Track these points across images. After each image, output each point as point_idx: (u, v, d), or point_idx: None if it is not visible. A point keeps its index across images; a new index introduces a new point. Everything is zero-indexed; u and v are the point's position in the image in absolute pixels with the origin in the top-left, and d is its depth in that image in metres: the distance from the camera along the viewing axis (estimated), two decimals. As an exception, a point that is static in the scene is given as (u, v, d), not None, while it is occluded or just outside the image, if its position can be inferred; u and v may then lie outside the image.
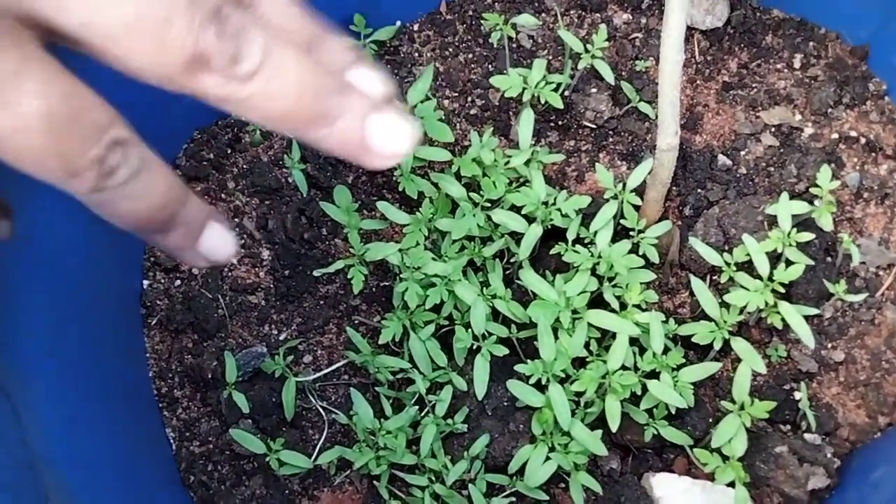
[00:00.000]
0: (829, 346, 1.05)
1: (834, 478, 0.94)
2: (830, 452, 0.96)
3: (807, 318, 0.97)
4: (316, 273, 1.01)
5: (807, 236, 0.97)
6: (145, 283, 1.04)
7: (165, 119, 0.97)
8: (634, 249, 1.01)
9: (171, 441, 0.98)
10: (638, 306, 0.97)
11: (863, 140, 1.16)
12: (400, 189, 1.02)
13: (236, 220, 1.07)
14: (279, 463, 0.91)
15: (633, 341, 0.95)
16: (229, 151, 1.10)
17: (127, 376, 0.96)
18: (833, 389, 1.04)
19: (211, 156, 1.09)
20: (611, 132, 1.17)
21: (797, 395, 1.03)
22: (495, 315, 0.99)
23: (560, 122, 1.17)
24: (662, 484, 0.96)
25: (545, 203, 1.00)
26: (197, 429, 0.98)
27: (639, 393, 0.91)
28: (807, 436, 0.99)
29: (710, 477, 0.93)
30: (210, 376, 0.98)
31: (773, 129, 1.18)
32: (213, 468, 0.96)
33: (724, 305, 0.98)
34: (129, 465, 0.90)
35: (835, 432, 1.02)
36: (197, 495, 0.95)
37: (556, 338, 0.92)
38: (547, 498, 0.91)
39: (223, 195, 1.08)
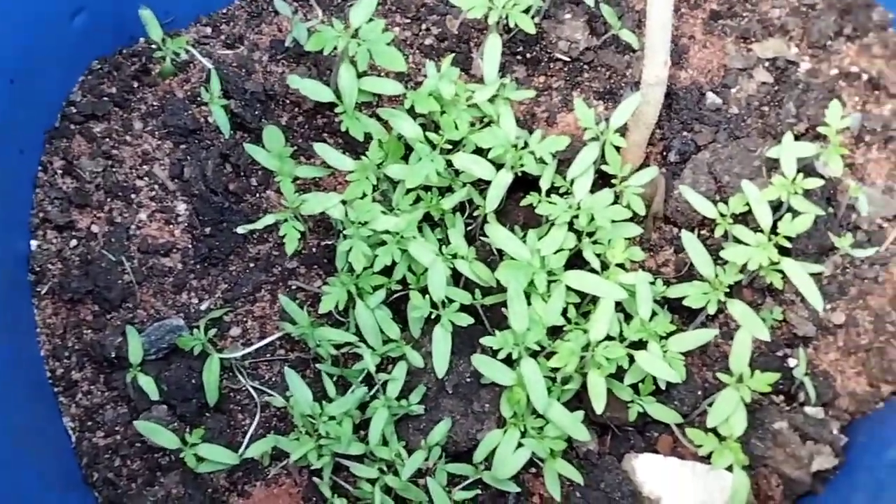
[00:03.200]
0: (829, 307, 0.93)
1: (841, 457, 0.83)
2: (836, 428, 0.85)
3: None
4: (241, 230, 0.84)
5: (815, 182, 0.84)
6: (33, 243, 0.86)
7: (56, 46, 0.79)
8: (617, 200, 0.87)
9: (70, 432, 0.82)
10: (621, 265, 0.83)
11: (864, 77, 1.03)
12: (343, 130, 0.86)
13: (145, 167, 0.89)
14: (197, 459, 0.76)
15: (616, 306, 0.81)
16: (136, 85, 0.92)
17: (12, 356, 0.79)
18: (831, 355, 0.93)
19: (113, 90, 0.91)
20: (586, 66, 1.02)
21: (792, 363, 0.91)
22: (456, 278, 0.84)
23: (529, 55, 1.02)
24: (647, 466, 0.84)
25: (515, 146, 0.85)
26: (101, 417, 0.82)
27: (624, 366, 0.78)
28: (808, 409, 0.88)
29: (698, 456, 0.82)
30: (114, 355, 0.81)
31: (766, 64, 1.04)
32: (122, 463, 0.81)
33: (718, 263, 0.86)
34: (16, 463, 0.74)
35: (833, 402, 0.91)
36: (102, 496, 0.80)
37: (529, 304, 0.78)
38: (518, 490, 0.78)
39: (128, 137, 0.90)
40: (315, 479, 0.80)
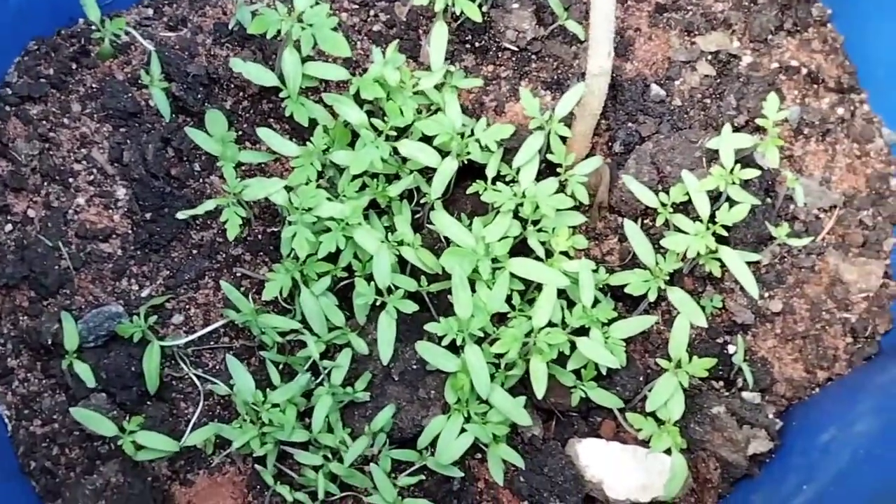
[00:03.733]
0: (767, 295, 0.96)
1: (776, 440, 0.85)
2: (772, 412, 0.88)
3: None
4: (181, 215, 0.83)
5: (752, 173, 0.86)
6: (-35, 228, 0.83)
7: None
8: (562, 189, 0.88)
9: (6, 421, 0.80)
10: (565, 253, 0.84)
11: (804, 70, 1.06)
12: (287, 115, 0.85)
13: (83, 150, 0.87)
14: (136, 447, 0.75)
15: (560, 293, 0.82)
16: (74, 66, 0.89)
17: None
18: (769, 342, 0.96)
19: (51, 71, 0.88)
20: (534, 56, 1.03)
21: (731, 349, 0.94)
22: (402, 266, 0.84)
23: (477, 44, 1.02)
24: (589, 451, 0.85)
25: (461, 134, 0.85)
26: (38, 405, 0.80)
27: (566, 352, 0.79)
28: (745, 394, 0.90)
29: (640, 440, 0.83)
30: (51, 342, 0.79)
31: (709, 57, 1.06)
32: (60, 452, 0.79)
33: (659, 252, 0.87)
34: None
35: (770, 388, 0.93)
36: (39, 485, 0.78)
37: (474, 291, 0.78)
38: (462, 475, 0.79)
39: (66, 120, 0.88)
40: (258, 468, 0.79)
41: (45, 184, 0.86)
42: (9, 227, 0.84)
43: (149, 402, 0.82)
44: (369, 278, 0.81)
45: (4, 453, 0.78)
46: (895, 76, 1.03)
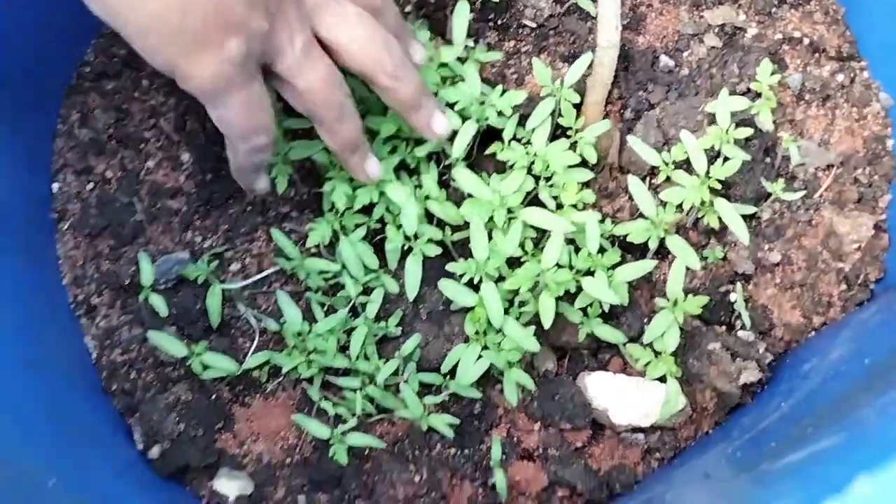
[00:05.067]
0: (766, 247, 1.05)
1: (766, 372, 0.94)
2: (763, 348, 0.96)
3: (745, 219, 0.96)
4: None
5: (745, 132, 0.95)
6: (55, 186, 0.97)
7: (71, 12, 0.89)
8: (572, 149, 0.98)
9: (92, 350, 0.93)
10: (575, 206, 0.94)
11: (806, 41, 1.13)
12: (328, 86, 0.96)
13: (152, 120, 1.00)
14: (202, 366, 0.88)
15: (570, 242, 0.93)
16: (144, 47, 1.02)
17: (37, 284, 0.91)
18: (769, 291, 1.04)
19: (123, 52, 1.02)
20: (551, 32, 1.13)
21: (733, 297, 1.03)
22: (429, 219, 0.95)
23: (499, 22, 1.12)
24: (597, 382, 0.95)
25: (481, 102, 0.96)
26: (118, 337, 0.94)
27: (573, 291, 0.89)
28: (741, 333, 0.99)
29: (644, 375, 0.93)
30: (128, 282, 0.93)
31: (716, 30, 1.15)
32: (136, 376, 0.92)
33: (662, 205, 0.96)
34: (47, 374, 0.85)
35: (769, 332, 1.02)
36: (120, 404, 0.91)
37: (491, 238, 0.89)
38: (480, 395, 0.89)
39: (137, 94, 1.01)
40: (305, 385, 0.91)
41: (120, 149, 1.00)
42: (90, 185, 0.98)
43: (211, 336, 0.95)
44: (400, 228, 0.92)
45: (90, 375, 0.92)
46: (893, 45, 1.10)
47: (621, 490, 0.93)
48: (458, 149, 0.94)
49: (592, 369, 0.99)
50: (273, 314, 0.97)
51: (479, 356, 0.88)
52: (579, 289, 0.89)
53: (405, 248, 0.92)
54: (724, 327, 1.03)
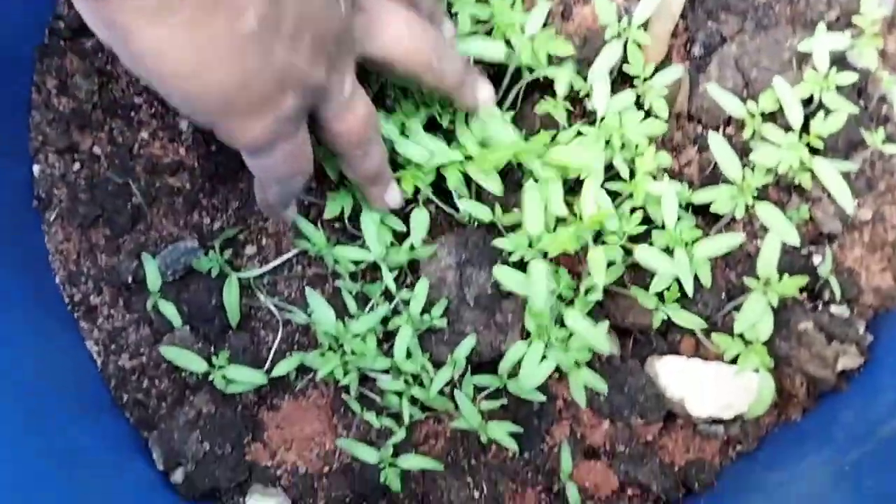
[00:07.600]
0: (856, 203, 0.91)
1: (866, 355, 0.83)
2: (863, 327, 0.85)
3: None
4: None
5: (849, 77, 0.80)
6: (36, 168, 0.83)
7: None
8: (638, 101, 0.83)
9: (95, 357, 0.82)
10: (651, 174, 0.80)
11: (902, -44, 0.96)
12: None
13: (142, 83, 0.85)
14: (226, 381, 0.76)
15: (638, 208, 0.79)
16: None
17: (27, 283, 0.78)
18: (856, 252, 0.91)
19: None
20: (604, -47, 0.95)
21: (816, 260, 0.90)
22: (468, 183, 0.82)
23: (541, -58, 0.94)
24: (669, 368, 0.84)
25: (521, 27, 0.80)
26: (124, 340, 0.82)
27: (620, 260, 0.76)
28: (833, 308, 0.87)
29: (721, 357, 0.82)
30: (131, 279, 0.80)
31: (798, -56, 0.97)
32: (150, 385, 0.81)
33: (746, 165, 0.82)
34: (44, 390, 0.74)
35: (857, 298, 0.90)
36: (133, 417, 0.81)
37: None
38: (545, 398, 0.79)
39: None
40: (344, 397, 0.80)
41: (108, 119, 0.85)
42: (77, 165, 0.84)
43: (230, 332, 0.83)
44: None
45: (97, 388, 0.81)
46: None
47: (699, 490, 0.83)
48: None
49: (662, 352, 0.87)
50: (296, 301, 0.85)
51: (544, 356, 0.76)
52: (627, 252, 0.77)
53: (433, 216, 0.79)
54: (805, 294, 0.91)
